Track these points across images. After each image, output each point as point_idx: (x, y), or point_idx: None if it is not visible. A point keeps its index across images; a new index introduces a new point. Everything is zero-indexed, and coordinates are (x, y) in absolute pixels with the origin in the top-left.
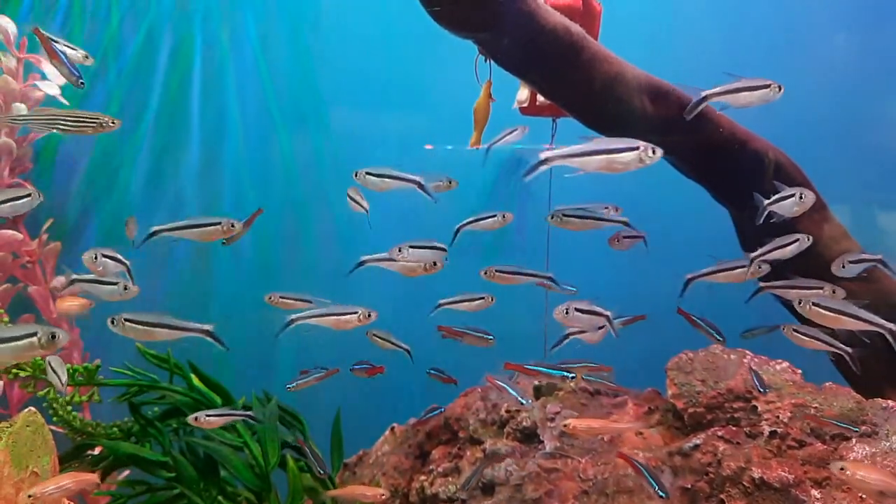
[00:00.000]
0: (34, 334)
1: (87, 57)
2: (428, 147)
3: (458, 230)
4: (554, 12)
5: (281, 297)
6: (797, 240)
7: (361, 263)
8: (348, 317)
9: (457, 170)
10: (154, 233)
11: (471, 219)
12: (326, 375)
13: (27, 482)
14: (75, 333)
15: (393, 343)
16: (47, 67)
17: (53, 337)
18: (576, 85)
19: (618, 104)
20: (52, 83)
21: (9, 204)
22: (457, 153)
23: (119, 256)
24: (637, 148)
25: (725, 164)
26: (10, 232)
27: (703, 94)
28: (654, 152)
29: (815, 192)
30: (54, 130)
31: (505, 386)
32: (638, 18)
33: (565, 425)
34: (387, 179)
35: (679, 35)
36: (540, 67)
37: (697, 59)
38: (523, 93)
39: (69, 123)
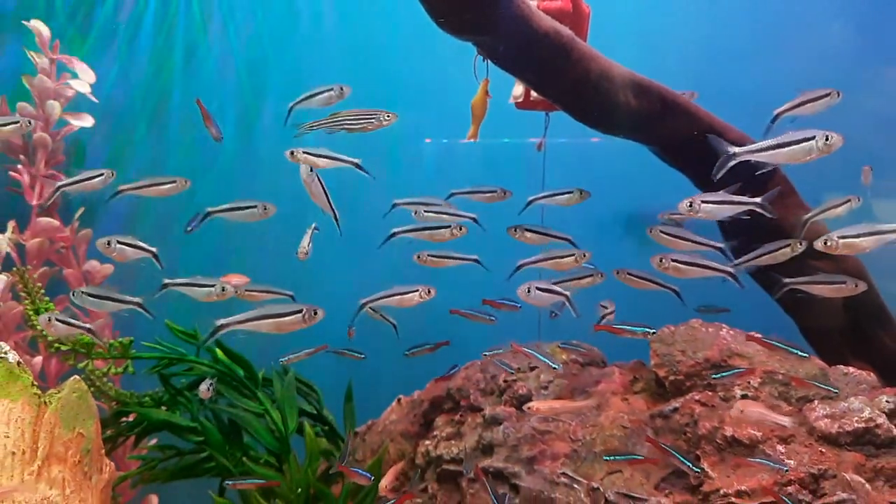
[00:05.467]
0: (300, 311)
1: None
2: (427, 140)
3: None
4: (546, 17)
5: (247, 291)
6: (848, 200)
7: (519, 268)
8: (410, 295)
9: (451, 162)
10: (393, 234)
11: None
12: (315, 351)
13: (74, 442)
14: (105, 314)
15: (382, 316)
16: (78, 67)
17: (315, 313)
18: (566, 82)
19: (604, 99)
20: (83, 81)
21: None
22: (452, 146)
23: (142, 244)
24: (813, 138)
25: (704, 154)
26: (48, 220)
27: (776, 112)
28: (828, 139)
29: (786, 179)
30: (343, 130)
31: (532, 352)
32: (626, 16)
33: (528, 407)
34: (323, 159)
35: (664, 35)
36: (533, 67)
37: (683, 55)
38: (518, 89)
39: (352, 122)
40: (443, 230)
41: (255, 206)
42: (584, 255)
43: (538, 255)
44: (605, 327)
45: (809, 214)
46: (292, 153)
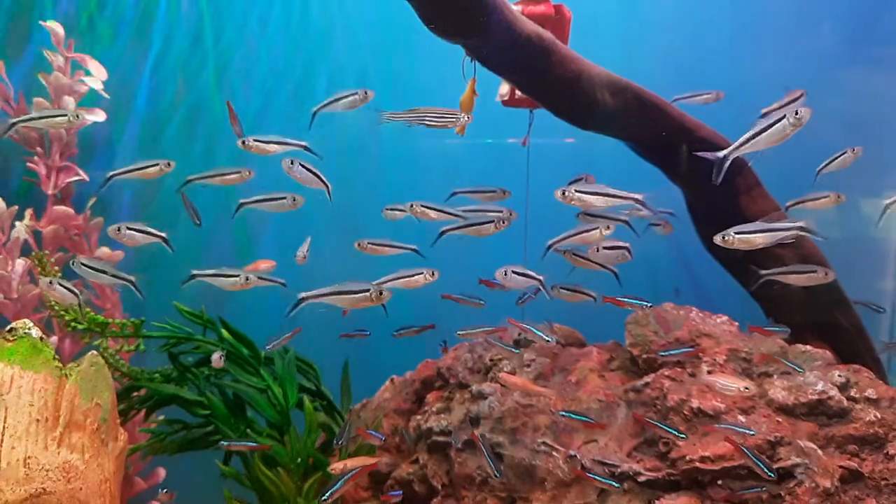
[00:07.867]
0: (367, 290)
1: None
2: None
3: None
4: (529, 21)
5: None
6: (827, 195)
7: (549, 248)
8: (416, 277)
9: (439, 162)
10: (443, 232)
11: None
12: (292, 335)
13: (92, 411)
14: (116, 297)
15: None
16: (92, 65)
17: (381, 293)
18: (547, 82)
19: (583, 97)
20: (96, 78)
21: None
22: (440, 146)
23: (151, 230)
24: (784, 117)
25: (675, 150)
26: (63, 208)
27: (763, 111)
28: (797, 114)
29: (751, 171)
30: (424, 125)
31: (529, 327)
32: (608, 18)
33: (501, 375)
34: (272, 144)
35: (643, 38)
36: (517, 68)
37: (662, 57)
38: (504, 88)
39: (433, 119)
40: (488, 225)
41: (284, 198)
42: (609, 227)
43: (563, 234)
44: (611, 299)
45: (790, 203)
46: (244, 142)
